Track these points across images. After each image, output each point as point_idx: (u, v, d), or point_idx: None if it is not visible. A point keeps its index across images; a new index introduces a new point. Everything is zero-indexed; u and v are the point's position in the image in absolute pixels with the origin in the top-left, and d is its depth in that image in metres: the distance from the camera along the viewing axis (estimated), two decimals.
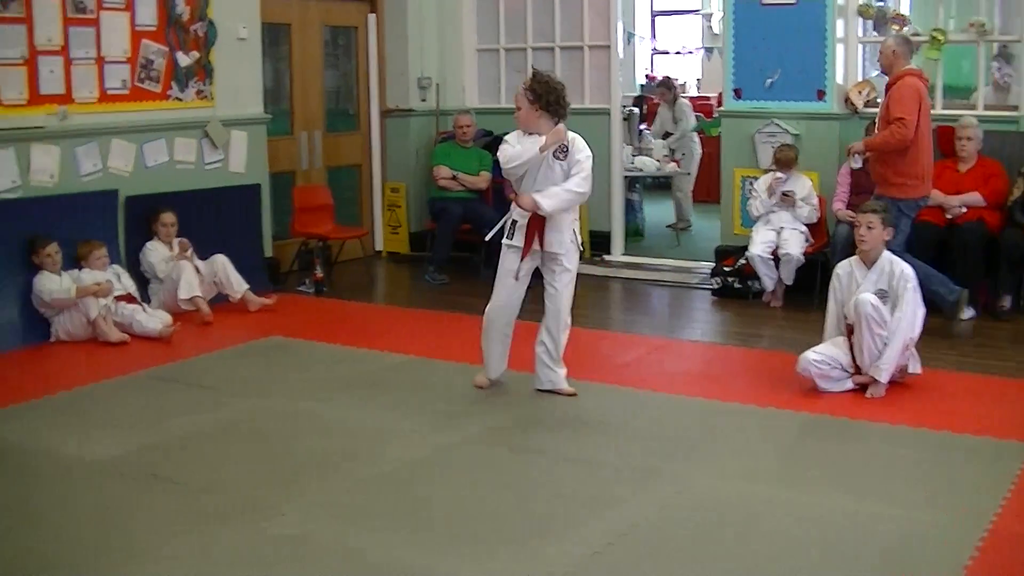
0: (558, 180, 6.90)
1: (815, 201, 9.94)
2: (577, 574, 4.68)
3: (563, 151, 6.91)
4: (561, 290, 7.11)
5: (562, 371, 7.19)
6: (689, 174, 13.89)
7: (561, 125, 6.93)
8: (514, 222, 7.09)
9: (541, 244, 7.01)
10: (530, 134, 6.95)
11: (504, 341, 7.32)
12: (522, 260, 7.09)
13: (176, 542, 5.00)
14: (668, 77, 15.43)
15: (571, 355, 7.90)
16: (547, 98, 6.88)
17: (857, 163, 9.01)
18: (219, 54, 10.31)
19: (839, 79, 10.25)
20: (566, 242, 7.03)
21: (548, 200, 6.83)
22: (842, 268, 7.41)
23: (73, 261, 8.92)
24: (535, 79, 6.99)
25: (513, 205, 7.09)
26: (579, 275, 11.03)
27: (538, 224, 6.97)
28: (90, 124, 9.37)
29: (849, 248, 8.83)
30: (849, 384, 7.13)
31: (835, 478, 5.72)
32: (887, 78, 8.72)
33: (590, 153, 7.01)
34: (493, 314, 7.28)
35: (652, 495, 5.48)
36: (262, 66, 10.95)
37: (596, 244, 12.04)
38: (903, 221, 8.59)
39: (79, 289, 8.62)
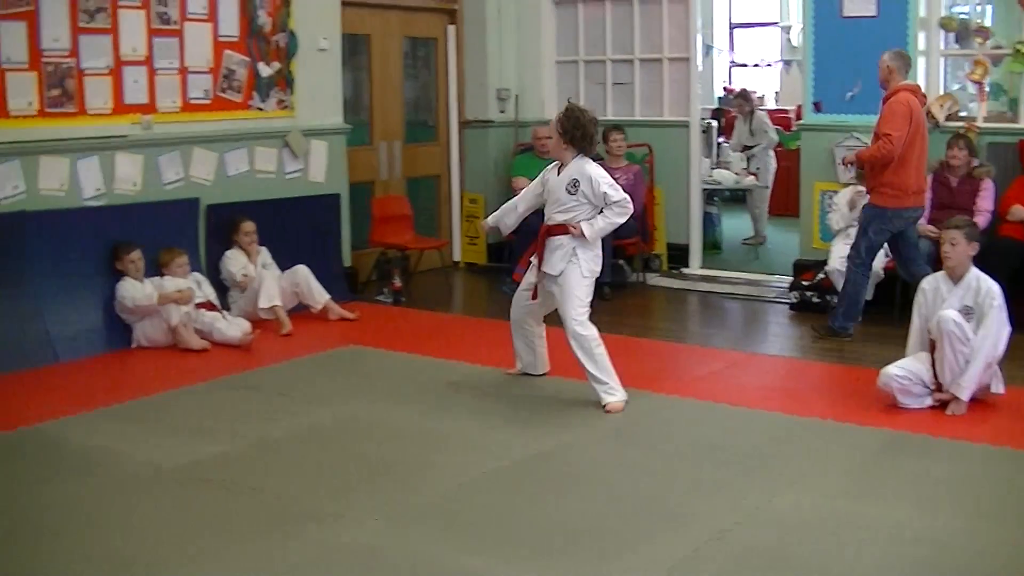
0: (566, 207, 7.24)
1: None
2: None
3: (574, 185, 7.21)
4: (562, 310, 7.32)
5: (599, 387, 7.17)
6: (766, 187, 13.79)
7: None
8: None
9: (540, 263, 7.40)
10: (559, 164, 7.36)
11: (523, 340, 7.82)
12: (534, 273, 7.51)
13: (252, 548, 5.04)
14: (745, 90, 15.34)
15: (648, 367, 7.94)
16: (573, 133, 7.20)
17: (850, 172, 9.00)
18: (300, 64, 10.39)
19: None
20: (556, 264, 7.27)
21: (590, 228, 7.22)
22: (928, 283, 7.32)
23: (155, 268, 9.02)
24: (566, 114, 7.26)
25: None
26: (657, 287, 11.26)
27: (539, 244, 7.39)
28: (173, 133, 9.47)
29: (931, 263, 8.77)
30: (930, 401, 7.04)
31: (915, 495, 5.65)
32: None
33: (612, 181, 7.34)
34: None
35: (729, 509, 5.44)
36: (342, 76, 11.02)
37: (674, 257, 12.03)
38: (872, 227, 8.80)
39: (161, 296, 8.71)
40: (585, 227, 7.16)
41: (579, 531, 5.22)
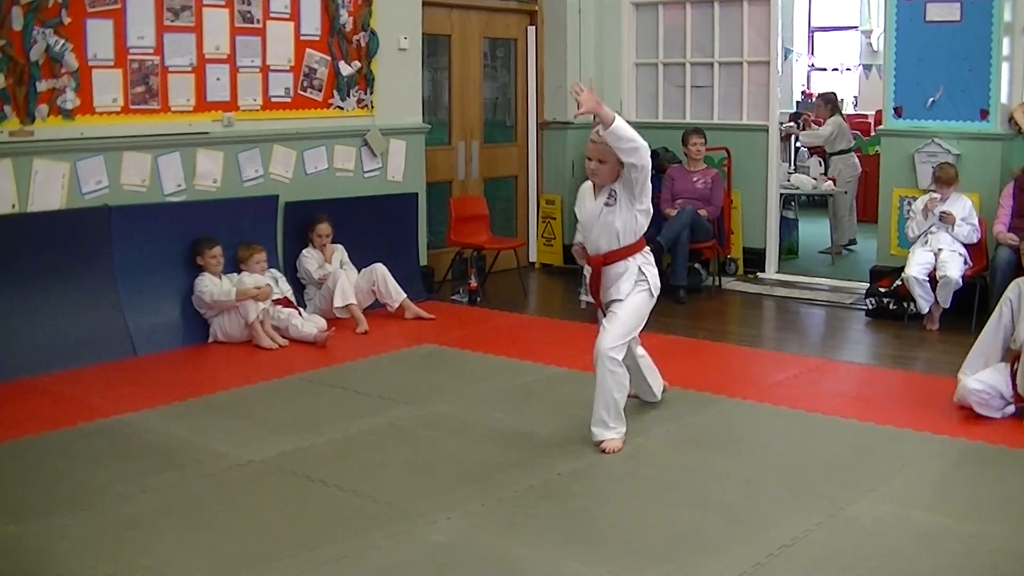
0: (613, 225, 6.34)
1: (975, 221, 9.71)
2: None
3: (612, 197, 6.33)
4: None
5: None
6: (846, 193, 13.61)
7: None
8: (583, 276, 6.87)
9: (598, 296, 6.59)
10: (601, 187, 6.40)
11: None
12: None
13: (333, 545, 5.07)
14: (833, 93, 15.04)
15: (724, 372, 7.93)
16: None
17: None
18: (380, 64, 10.44)
19: (1003, 98, 10.02)
20: (622, 288, 6.45)
21: (617, 124, 6.11)
22: (1013, 291, 7.06)
23: (233, 264, 9.11)
24: None
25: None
26: (733, 291, 11.28)
27: (596, 276, 6.53)
28: (253, 131, 9.56)
29: (1010, 271, 8.68)
30: (1011, 409, 6.91)
31: (991, 506, 5.59)
32: None
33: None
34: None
35: (804, 516, 5.41)
36: (422, 76, 11.07)
37: (750, 261, 12.00)
38: None
39: (239, 292, 8.78)
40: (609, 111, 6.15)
41: (654, 534, 5.22)
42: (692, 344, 9.08)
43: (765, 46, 11.97)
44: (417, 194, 10.87)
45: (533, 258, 12.80)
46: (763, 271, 11.97)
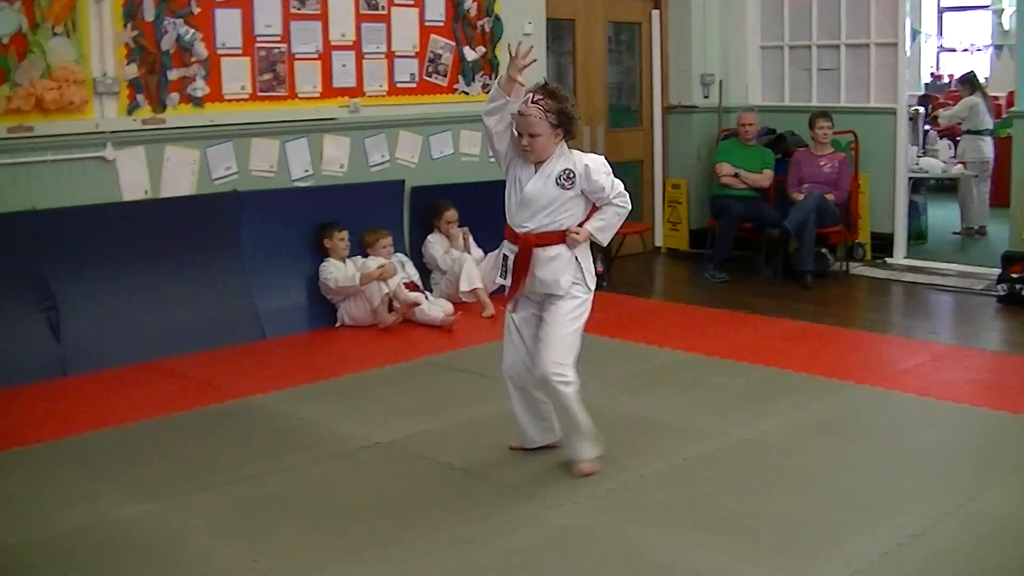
0: (554, 204, 5.59)
1: None
2: None
3: (568, 178, 5.58)
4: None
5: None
6: (974, 176, 13.37)
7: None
8: (505, 257, 5.79)
9: (518, 284, 5.72)
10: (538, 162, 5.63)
11: (525, 402, 5.99)
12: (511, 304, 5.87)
13: (459, 527, 5.09)
14: (971, 72, 14.81)
15: (852, 358, 7.81)
16: (567, 127, 5.63)
17: None
18: (505, 49, 10.44)
19: None
20: (562, 280, 5.67)
21: (600, 232, 5.76)
22: None
23: (359, 248, 9.19)
24: (554, 98, 5.61)
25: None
26: (860, 276, 11.11)
27: (522, 261, 5.65)
28: (379, 116, 9.65)
29: None
30: None
31: None
32: None
33: (610, 170, 5.75)
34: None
35: (933, 506, 5.32)
36: (546, 61, 11.06)
37: (878, 246, 11.83)
38: None
39: (363, 276, 8.85)
40: (593, 229, 5.71)
41: (779, 521, 5.17)
42: (819, 330, 8.98)
43: (893, 27, 11.77)
44: None
45: (659, 243, 12.75)
46: (891, 256, 11.79)
